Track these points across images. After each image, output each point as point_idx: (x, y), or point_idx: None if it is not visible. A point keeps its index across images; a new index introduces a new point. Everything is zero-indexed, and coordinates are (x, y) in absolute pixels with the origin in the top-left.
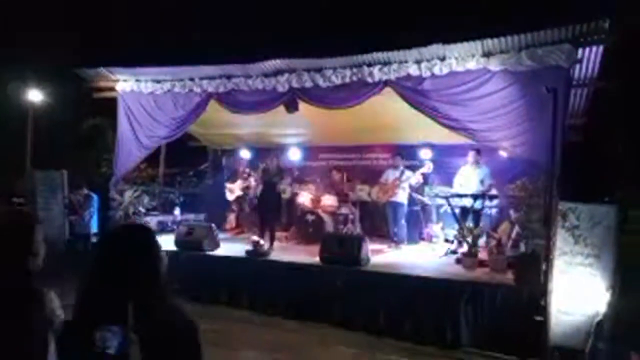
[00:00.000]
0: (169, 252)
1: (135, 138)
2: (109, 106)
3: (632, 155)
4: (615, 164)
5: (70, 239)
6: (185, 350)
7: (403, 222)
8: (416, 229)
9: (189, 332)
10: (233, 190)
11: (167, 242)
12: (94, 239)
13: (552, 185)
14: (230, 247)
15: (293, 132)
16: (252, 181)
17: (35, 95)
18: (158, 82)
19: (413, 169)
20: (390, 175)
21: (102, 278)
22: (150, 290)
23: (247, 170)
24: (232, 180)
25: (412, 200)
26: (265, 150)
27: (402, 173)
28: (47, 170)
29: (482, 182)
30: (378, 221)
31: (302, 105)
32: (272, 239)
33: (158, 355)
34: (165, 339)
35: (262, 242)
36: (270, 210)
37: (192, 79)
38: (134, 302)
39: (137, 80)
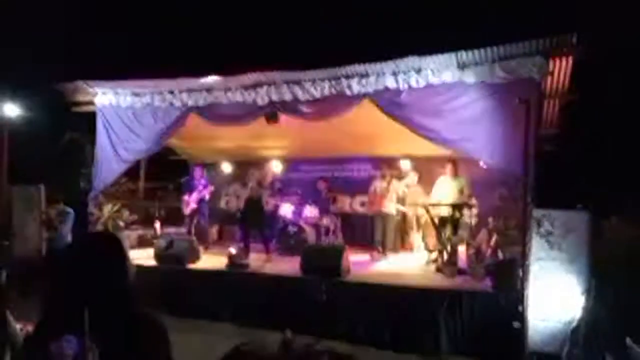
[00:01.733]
0: (147, 267)
1: (115, 152)
2: (88, 120)
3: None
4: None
5: (47, 255)
6: (151, 355)
7: (391, 232)
8: (397, 239)
9: (153, 340)
10: (188, 203)
11: (147, 256)
12: None
13: (526, 194)
14: (212, 260)
15: (274, 145)
16: (206, 194)
17: (11, 110)
18: (137, 95)
19: (397, 179)
20: (378, 185)
21: (62, 287)
22: (110, 298)
23: (203, 182)
24: (189, 192)
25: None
26: (247, 164)
27: (389, 183)
28: (24, 186)
29: (460, 191)
30: (360, 232)
31: (283, 118)
32: (268, 250)
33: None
34: (125, 347)
35: (235, 252)
36: (258, 223)
37: (171, 92)
38: (90, 310)
39: (116, 94)
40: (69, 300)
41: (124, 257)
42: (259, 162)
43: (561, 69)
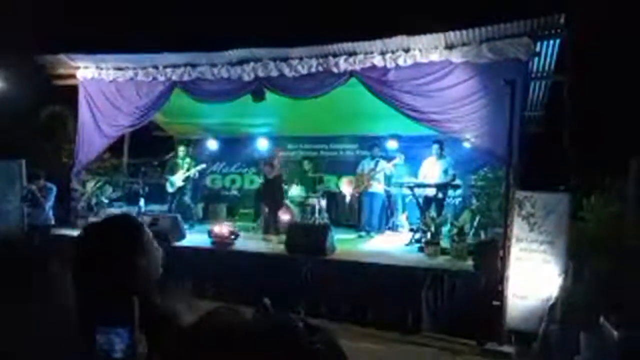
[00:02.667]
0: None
1: (97, 127)
2: (70, 94)
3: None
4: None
5: (29, 230)
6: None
7: (378, 211)
8: (382, 219)
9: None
10: (174, 182)
11: None
12: (53, 231)
13: (509, 175)
14: (197, 238)
15: (261, 122)
16: (194, 172)
17: None
18: (120, 69)
19: (385, 159)
20: (366, 165)
21: (99, 274)
22: (152, 285)
23: (188, 160)
24: (172, 171)
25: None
26: (233, 141)
27: (377, 163)
28: (4, 161)
29: (445, 172)
30: (345, 211)
31: (270, 96)
32: (277, 229)
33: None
34: (174, 335)
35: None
36: (276, 201)
37: (155, 67)
38: (139, 298)
39: (98, 67)
40: (113, 289)
41: (138, 241)
42: (246, 139)
43: (548, 50)
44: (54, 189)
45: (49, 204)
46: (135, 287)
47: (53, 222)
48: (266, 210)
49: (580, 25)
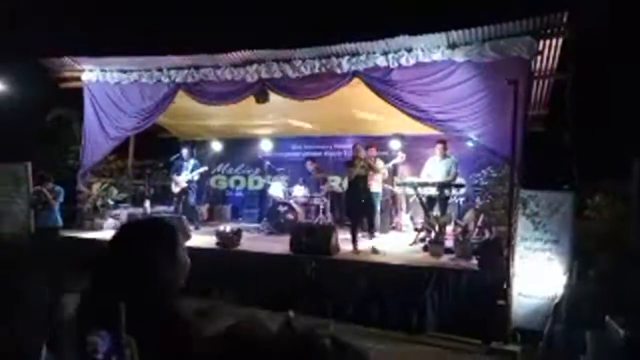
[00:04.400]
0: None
1: (102, 129)
2: (75, 97)
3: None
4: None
5: (37, 233)
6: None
7: (378, 211)
8: (386, 219)
9: (187, 332)
10: (178, 183)
11: None
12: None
13: (513, 174)
14: (202, 239)
15: (264, 124)
16: (196, 174)
17: None
18: (124, 72)
19: (385, 159)
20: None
21: (97, 278)
22: (147, 291)
23: (193, 162)
24: (178, 172)
25: (382, 190)
26: (236, 142)
27: (374, 162)
28: (10, 163)
29: (448, 172)
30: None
31: (273, 97)
32: (372, 232)
33: (161, 357)
34: (165, 341)
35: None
36: (362, 204)
37: (159, 69)
38: (127, 303)
39: (102, 71)
40: (104, 293)
41: (173, 249)
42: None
43: (551, 48)
44: (62, 191)
45: (57, 206)
46: (125, 292)
47: (61, 223)
48: (350, 219)
49: (583, 24)
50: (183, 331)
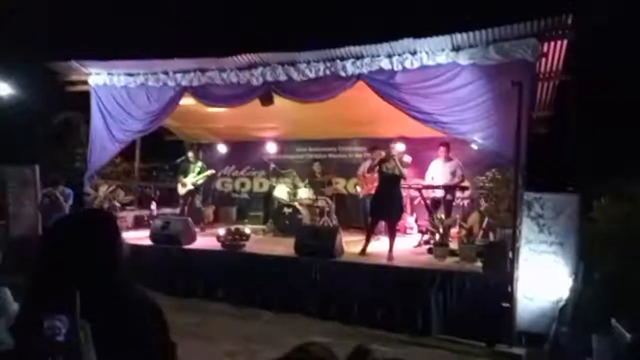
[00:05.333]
0: (144, 247)
1: (109, 132)
2: (82, 100)
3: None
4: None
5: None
6: (145, 332)
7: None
8: None
9: (147, 315)
10: (185, 184)
11: (143, 236)
12: None
13: (518, 176)
14: (207, 241)
15: (269, 126)
16: (203, 177)
17: (2, 89)
18: (131, 75)
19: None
20: (367, 167)
21: (50, 265)
22: (101, 276)
23: (199, 164)
24: (184, 174)
25: None
26: (242, 144)
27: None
28: (18, 166)
29: (453, 174)
30: (354, 213)
31: (278, 99)
32: (391, 240)
33: (115, 338)
34: (118, 326)
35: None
36: (391, 208)
37: (165, 73)
38: (81, 288)
39: (109, 74)
40: (60, 278)
41: (115, 234)
42: (255, 143)
43: (555, 50)
44: (72, 193)
45: (69, 208)
46: (80, 276)
47: None
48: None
49: (588, 26)
50: (136, 306)
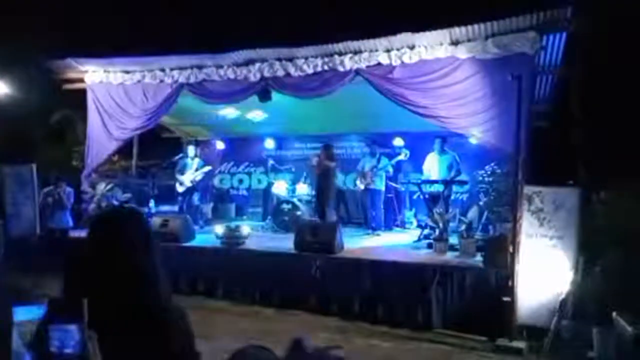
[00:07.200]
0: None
1: (106, 130)
2: (79, 98)
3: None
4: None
5: (48, 233)
6: (159, 340)
7: (381, 208)
8: (390, 216)
9: (176, 333)
10: (183, 182)
11: None
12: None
13: (518, 170)
14: (206, 238)
15: (268, 122)
16: (200, 174)
17: None
18: (127, 72)
19: (389, 156)
20: (367, 162)
21: (67, 275)
22: (126, 283)
23: (197, 161)
24: (182, 171)
25: (386, 188)
26: (240, 140)
27: (379, 160)
28: (16, 165)
29: (449, 168)
30: (354, 208)
31: (276, 95)
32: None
33: (124, 348)
34: (129, 332)
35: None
36: (328, 198)
37: (162, 70)
38: (88, 297)
39: (105, 71)
40: (69, 288)
41: (146, 236)
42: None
43: (555, 43)
44: (72, 192)
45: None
46: (97, 283)
47: (72, 224)
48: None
49: (587, 18)
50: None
